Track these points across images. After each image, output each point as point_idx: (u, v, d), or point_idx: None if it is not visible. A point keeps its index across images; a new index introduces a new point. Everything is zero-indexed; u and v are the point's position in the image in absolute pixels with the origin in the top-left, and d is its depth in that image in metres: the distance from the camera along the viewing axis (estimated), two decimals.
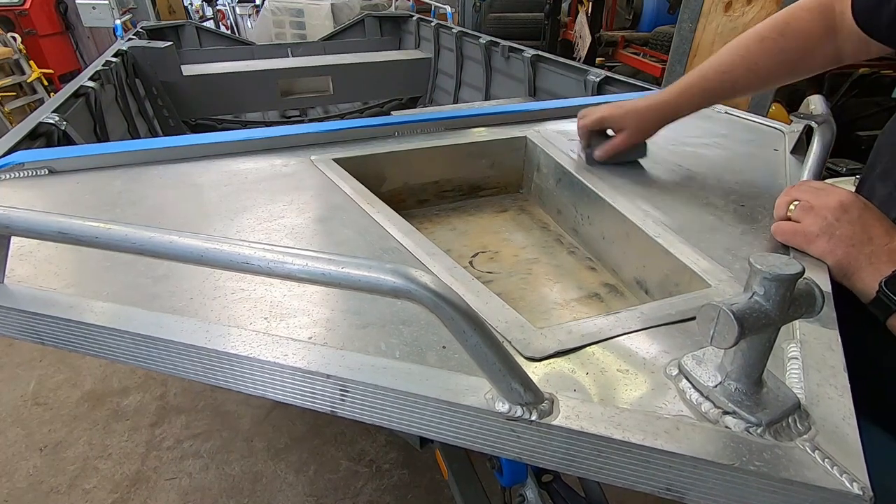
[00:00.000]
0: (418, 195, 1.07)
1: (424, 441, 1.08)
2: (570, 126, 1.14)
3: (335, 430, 1.67)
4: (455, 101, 3.06)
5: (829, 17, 0.76)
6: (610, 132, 0.94)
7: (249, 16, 7.02)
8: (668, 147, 1.02)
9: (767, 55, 0.79)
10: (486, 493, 1.05)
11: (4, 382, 1.86)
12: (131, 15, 3.39)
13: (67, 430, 1.67)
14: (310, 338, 0.49)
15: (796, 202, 0.63)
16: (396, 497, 1.47)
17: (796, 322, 0.50)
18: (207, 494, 1.47)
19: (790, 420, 0.39)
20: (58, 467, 1.55)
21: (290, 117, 3.47)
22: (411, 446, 1.40)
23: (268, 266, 0.36)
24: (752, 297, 0.37)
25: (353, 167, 0.91)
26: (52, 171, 0.86)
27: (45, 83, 4.23)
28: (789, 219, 0.63)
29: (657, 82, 3.52)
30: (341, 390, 0.42)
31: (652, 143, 1.04)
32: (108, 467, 1.55)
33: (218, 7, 7.06)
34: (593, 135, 0.95)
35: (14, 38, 4.02)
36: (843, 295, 0.58)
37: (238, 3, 7.27)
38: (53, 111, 1.34)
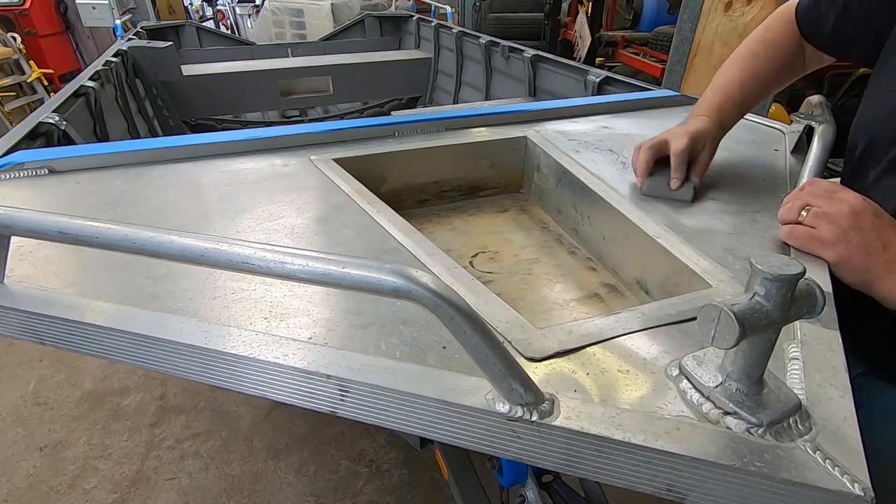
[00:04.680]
0: (418, 195, 1.06)
1: (424, 441, 1.08)
2: (571, 126, 1.15)
3: (335, 431, 1.67)
4: (455, 101, 3.06)
5: (794, 27, 0.84)
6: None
7: (249, 16, 7.03)
8: None
9: (764, 67, 0.87)
10: (485, 493, 1.05)
11: (4, 382, 1.86)
12: (131, 15, 3.38)
13: (67, 430, 1.67)
14: (310, 338, 0.49)
15: (808, 207, 0.61)
16: (396, 497, 1.47)
17: (797, 322, 0.50)
18: (207, 494, 1.47)
19: (791, 421, 0.39)
20: (58, 467, 1.55)
21: (290, 117, 3.47)
22: (411, 446, 1.40)
23: (268, 266, 0.36)
24: (753, 297, 0.37)
25: (353, 167, 0.91)
26: (52, 171, 0.86)
27: (45, 83, 4.22)
28: (799, 222, 0.62)
29: (657, 82, 3.52)
30: (341, 391, 0.42)
31: None
32: (108, 467, 1.55)
33: (218, 7, 7.06)
34: (657, 163, 0.85)
35: (14, 38, 4.02)
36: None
37: (238, 3, 7.27)
38: (53, 111, 1.33)
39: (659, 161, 0.83)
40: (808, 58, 0.87)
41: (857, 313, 0.57)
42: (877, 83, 0.71)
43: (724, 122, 0.86)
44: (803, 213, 0.62)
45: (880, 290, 0.56)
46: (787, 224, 0.63)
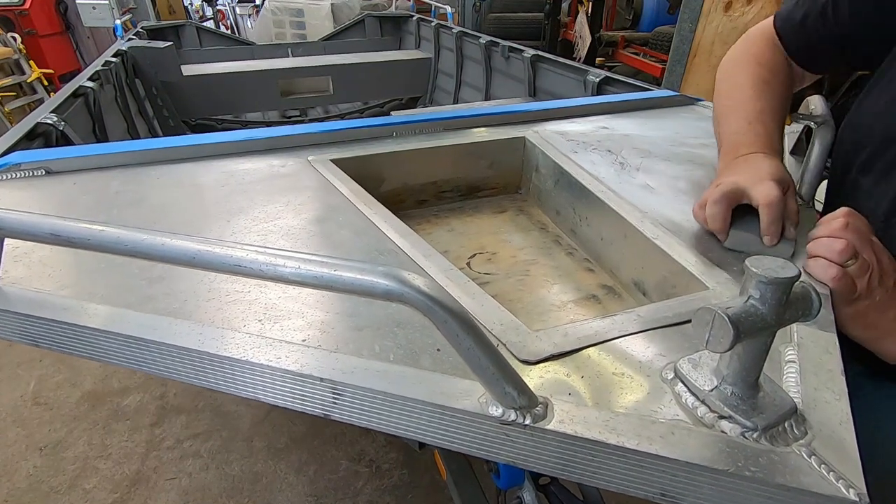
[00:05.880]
0: (417, 196, 1.06)
1: (423, 442, 1.08)
2: (570, 126, 1.14)
3: (335, 431, 1.67)
4: (455, 102, 3.05)
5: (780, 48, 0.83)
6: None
7: (249, 16, 7.03)
8: (667, 147, 1.02)
9: (777, 92, 0.80)
10: (484, 495, 1.05)
11: (4, 382, 1.86)
12: (131, 15, 3.38)
13: (67, 430, 1.67)
14: (304, 340, 0.49)
15: (857, 254, 0.55)
16: (396, 497, 1.47)
17: (794, 325, 0.50)
18: (207, 494, 1.47)
19: (786, 425, 0.39)
20: (58, 467, 1.55)
21: (290, 117, 3.47)
22: (411, 447, 1.40)
23: (259, 268, 0.36)
24: (747, 300, 0.37)
25: (352, 168, 0.91)
26: (49, 172, 0.86)
27: (45, 83, 4.23)
28: (842, 265, 0.56)
29: (657, 82, 3.51)
30: (334, 394, 0.42)
31: (651, 143, 1.04)
32: (108, 467, 1.55)
33: (218, 7, 7.06)
34: (736, 212, 0.69)
35: (14, 38, 4.02)
36: None
37: (238, 3, 7.27)
38: (52, 111, 1.33)
39: (735, 210, 0.69)
40: (798, 76, 0.86)
41: None
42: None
43: (780, 158, 0.75)
44: (849, 261, 0.55)
45: (884, 348, 0.56)
46: (825, 261, 0.56)
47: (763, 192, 0.65)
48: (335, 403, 0.42)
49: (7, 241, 0.51)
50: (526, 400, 0.38)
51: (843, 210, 0.59)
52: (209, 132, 1.02)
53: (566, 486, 0.96)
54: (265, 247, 0.37)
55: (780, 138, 0.78)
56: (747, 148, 0.74)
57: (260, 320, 0.51)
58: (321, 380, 0.42)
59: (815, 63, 0.83)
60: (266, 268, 0.36)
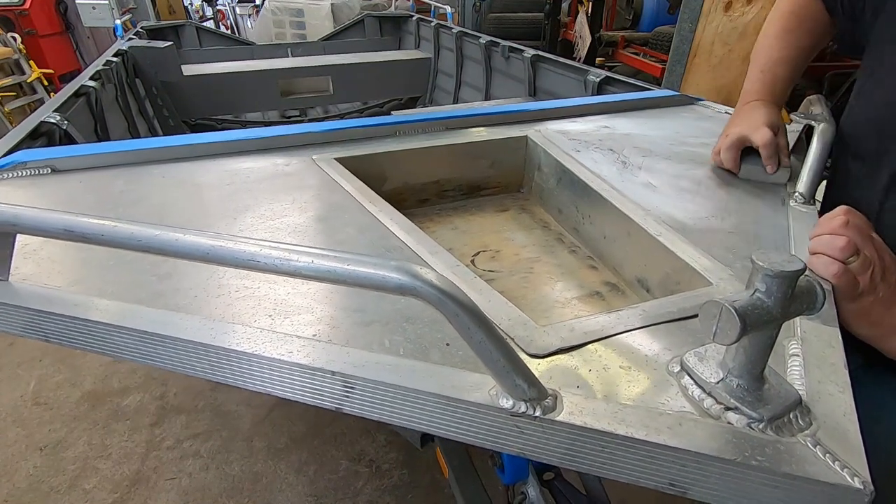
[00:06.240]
0: (419, 194, 1.07)
1: (425, 440, 1.08)
2: (571, 126, 1.15)
3: (335, 430, 1.67)
4: (455, 101, 3.06)
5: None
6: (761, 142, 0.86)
7: (249, 16, 7.03)
8: (668, 146, 1.03)
9: (800, 41, 0.90)
10: (486, 492, 1.05)
11: (4, 382, 1.86)
12: (131, 15, 3.38)
13: (67, 430, 1.67)
14: (314, 335, 0.49)
15: (858, 251, 0.56)
16: (396, 497, 1.47)
17: (797, 319, 0.50)
18: (207, 494, 1.47)
19: (792, 416, 0.39)
20: (58, 467, 1.55)
21: (289, 117, 3.47)
22: (411, 446, 1.40)
23: (274, 263, 0.37)
24: (753, 293, 0.37)
25: (355, 166, 0.91)
26: (54, 171, 0.86)
27: (45, 83, 4.22)
28: (843, 262, 0.56)
29: (657, 82, 3.52)
30: (346, 387, 0.43)
31: (652, 142, 1.05)
32: (108, 467, 1.55)
33: (218, 7, 7.06)
34: (744, 153, 0.89)
35: (14, 38, 4.02)
36: None
37: (238, 3, 7.27)
38: (54, 111, 1.33)
39: (743, 151, 0.88)
40: (833, 26, 0.90)
41: None
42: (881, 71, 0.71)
43: (779, 103, 0.91)
44: (852, 258, 0.56)
45: (890, 345, 0.57)
46: (827, 257, 0.57)
47: (760, 136, 0.84)
48: (347, 396, 0.43)
49: (17, 237, 0.51)
50: (536, 392, 0.39)
51: (842, 208, 0.60)
52: (209, 132, 1.02)
53: (570, 482, 0.97)
54: (279, 242, 0.37)
55: (788, 85, 0.92)
56: (752, 96, 0.92)
57: (270, 315, 0.52)
58: (333, 373, 0.42)
59: (840, 18, 0.86)
60: (280, 262, 0.36)
